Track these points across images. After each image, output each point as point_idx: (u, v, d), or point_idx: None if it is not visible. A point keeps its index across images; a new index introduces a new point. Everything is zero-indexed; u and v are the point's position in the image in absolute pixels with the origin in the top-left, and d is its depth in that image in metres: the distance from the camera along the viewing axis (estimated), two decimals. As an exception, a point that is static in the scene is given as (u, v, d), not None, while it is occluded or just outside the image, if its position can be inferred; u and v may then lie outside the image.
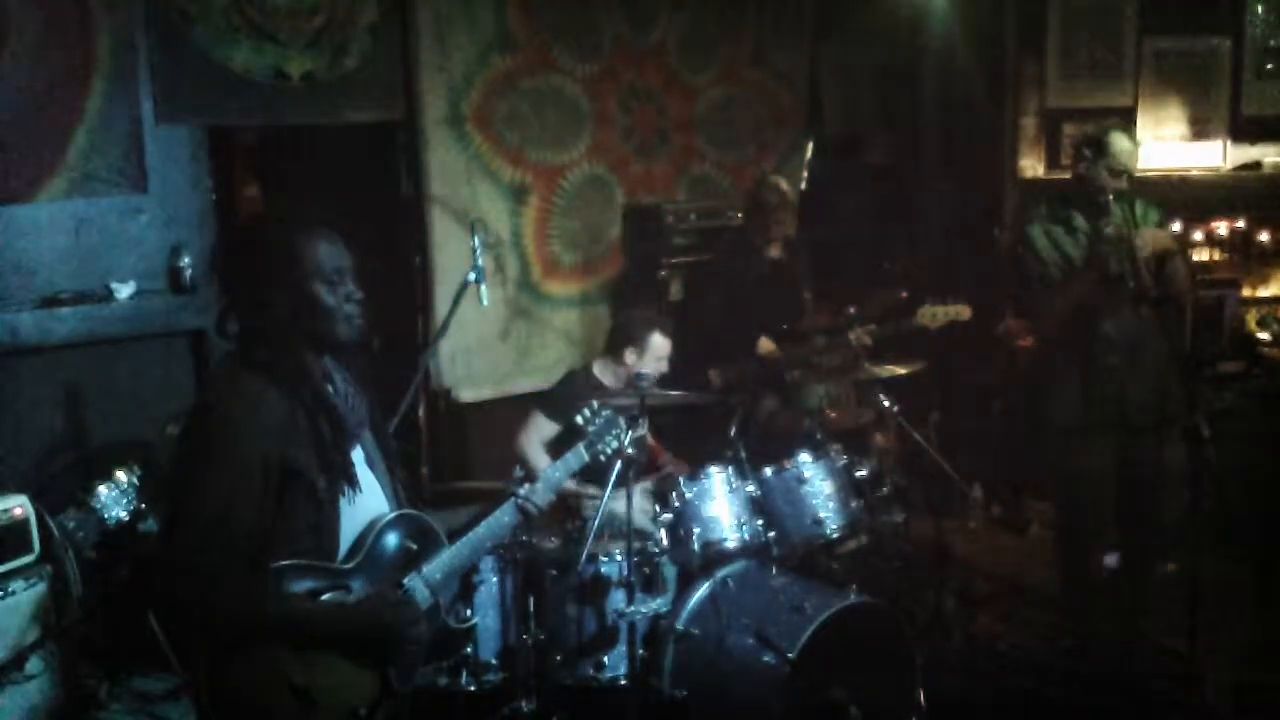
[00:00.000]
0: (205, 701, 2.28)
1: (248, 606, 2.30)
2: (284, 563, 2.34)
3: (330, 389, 2.50)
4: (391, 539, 2.56)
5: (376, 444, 2.63)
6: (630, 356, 4.58)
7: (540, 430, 4.54)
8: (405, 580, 2.56)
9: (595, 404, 3.22)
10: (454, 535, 2.73)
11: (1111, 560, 5.18)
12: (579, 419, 3.19)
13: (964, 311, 5.15)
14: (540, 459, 4.42)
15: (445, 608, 2.63)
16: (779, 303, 5.46)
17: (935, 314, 5.07)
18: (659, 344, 4.54)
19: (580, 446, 3.12)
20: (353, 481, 2.47)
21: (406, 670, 2.53)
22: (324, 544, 2.43)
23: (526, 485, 2.92)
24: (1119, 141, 4.41)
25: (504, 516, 2.85)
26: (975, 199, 6.84)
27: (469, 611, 2.81)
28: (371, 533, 2.51)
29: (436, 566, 2.62)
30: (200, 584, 2.25)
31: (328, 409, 2.45)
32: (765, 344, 5.34)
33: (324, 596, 2.41)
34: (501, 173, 5.67)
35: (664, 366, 4.55)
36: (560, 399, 4.58)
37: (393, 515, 2.57)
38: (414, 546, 2.60)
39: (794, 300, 5.54)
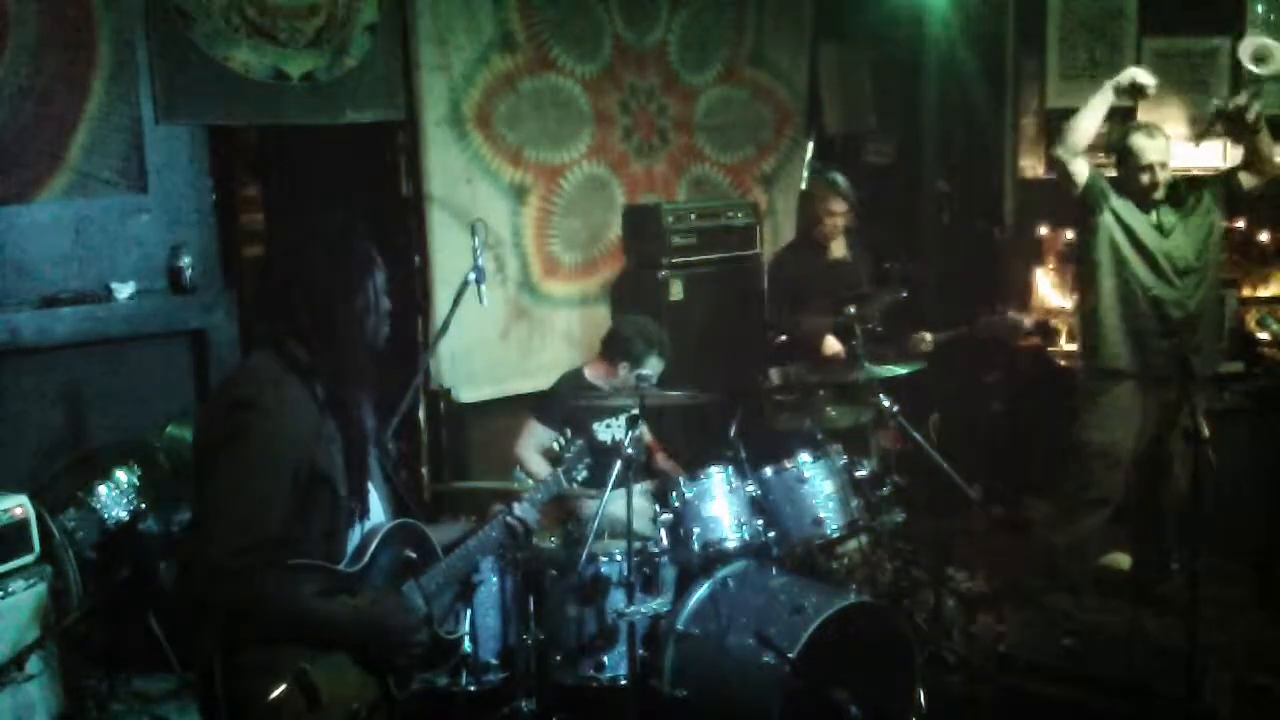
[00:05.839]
0: (218, 697, 2.28)
1: (276, 605, 2.31)
2: (294, 562, 2.35)
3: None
4: (392, 547, 2.58)
5: (375, 451, 2.64)
6: (622, 370, 4.58)
7: (536, 437, 4.54)
8: (403, 588, 2.58)
9: (569, 433, 3.44)
10: (447, 548, 2.78)
11: (1117, 561, 5.20)
12: (555, 445, 3.40)
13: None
14: (538, 466, 4.41)
15: (437, 618, 2.65)
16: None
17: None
18: (653, 365, 4.53)
19: (559, 472, 3.33)
20: (364, 501, 2.50)
21: (404, 675, 2.55)
22: (333, 549, 2.44)
23: (516, 504, 3.06)
24: (1137, 142, 4.62)
25: (492, 532, 2.98)
26: (975, 199, 6.84)
27: (458, 623, 2.87)
28: (373, 540, 2.53)
29: (432, 577, 2.66)
30: (236, 581, 2.24)
31: (357, 418, 2.46)
32: (831, 344, 5.33)
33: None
34: (501, 173, 5.67)
35: (650, 377, 4.53)
36: (554, 404, 4.59)
37: (393, 524, 2.59)
38: (413, 555, 2.63)
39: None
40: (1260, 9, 6.17)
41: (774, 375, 5.28)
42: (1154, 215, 4.67)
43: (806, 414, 4.85)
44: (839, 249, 5.57)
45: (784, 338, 5.57)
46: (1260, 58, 4.47)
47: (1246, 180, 4.66)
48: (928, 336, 5.22)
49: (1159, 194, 4.64)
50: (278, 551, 2.30)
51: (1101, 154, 5.44)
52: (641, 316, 4.81)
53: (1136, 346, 4.71)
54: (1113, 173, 4.79)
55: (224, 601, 2.27)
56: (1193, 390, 3.95)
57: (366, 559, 2.49)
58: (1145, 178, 4.61)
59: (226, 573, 2.23)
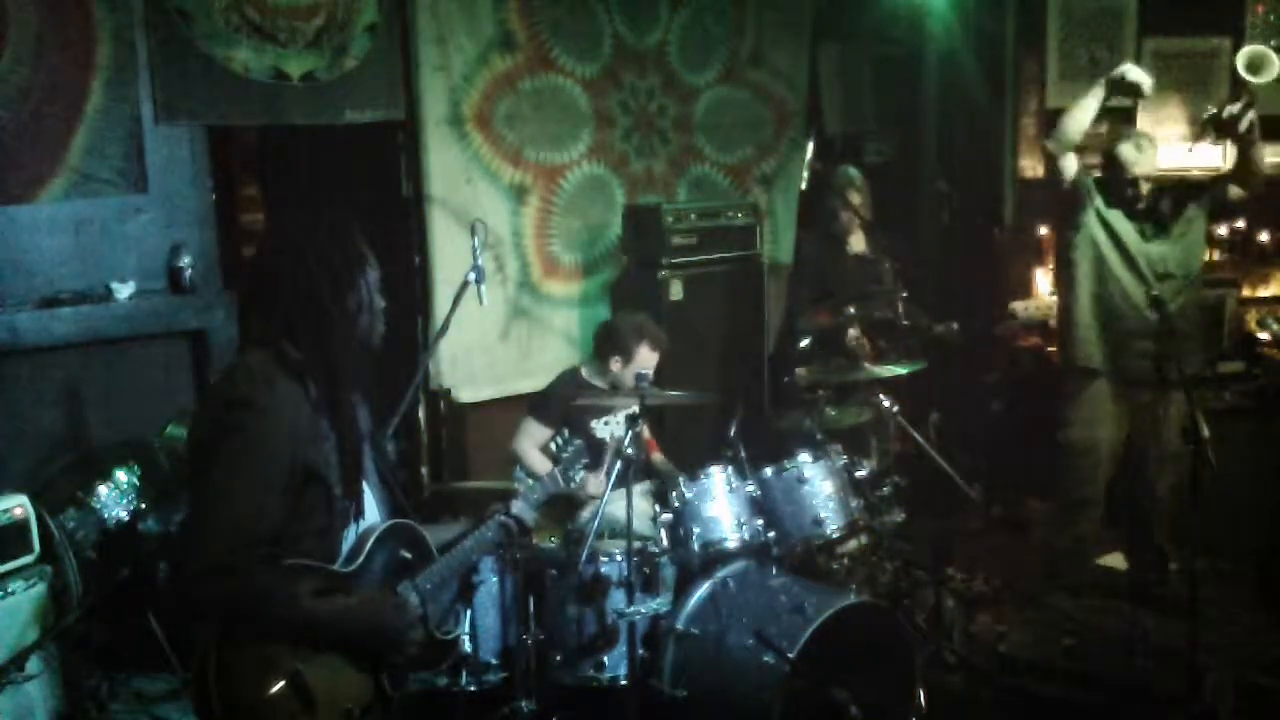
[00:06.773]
0: (212, 697, 2.28)
1: (271, 604, 2.31)
2: (289, 562, 2.35)
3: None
4: (387, 547, 2.58)
5: (371, 451, 2.64)
6: (615, 365, 4.58)
7: (533, 435, 4.54)
8: (398, 588, 2.58)
9: (566, 432, 3.46)
10: (443, 548, 2.78)
11: (1116, 561, 5.19)
12: (553, 445, 3.41)
13: None
14: (537, 463, 4.41)
15: (432, 619, 2.65)
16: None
17: None
18: (645, 356, 4.52)
19: (555, 471, 3.33)
20: (359, 501, 2.49)
21: (399, 675, 2.55)
22: (329, 548, 2.44)
23: (514, 502, 3.07)
24: (1125, 153, 4.66)
25: (488, 533, 2.97)
26: (975, 199, 6.84)
27: (456, 623, 2.87)
28: (368, 540, 2.52)
29: (428, 577, 2.65)
30: (229, 579, 2.24)
31: (350, 416, 2.46)
32: (854, 337, 5.35)
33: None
34: (501, 173, 5.67)
35: (649, 376, 4.53)
36: (551, 402, 4.59)
37: (389, 524, 2.59)
38: (408, 555, 2.63)
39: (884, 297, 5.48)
40: (1260, 9, 6.17)
41: (800, 374, 5.25)
42: (1137, 219, 4.70)
43: (815, 413, 4.83)
44: (859, 243, 5.58)
45: (806, 342, 5.53)
46: (1255, 66, 4.48)
47: (1234, 192, 4.70)
48: (954, 326, 5.25)
49: (1142, 204, 4.69)
50: (271, 550, 2.29)
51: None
52: (634, 312, 4.81)
53: (1111, 347, 4.75)
54: (1099, 174, 4.81)
55: (217, 599, 2.26)
56: (1191, 391, 3.95)
57: (362, 559, 2.49)
58: (1129, 189, 4.67)
59: (219, 570, 2.23)
